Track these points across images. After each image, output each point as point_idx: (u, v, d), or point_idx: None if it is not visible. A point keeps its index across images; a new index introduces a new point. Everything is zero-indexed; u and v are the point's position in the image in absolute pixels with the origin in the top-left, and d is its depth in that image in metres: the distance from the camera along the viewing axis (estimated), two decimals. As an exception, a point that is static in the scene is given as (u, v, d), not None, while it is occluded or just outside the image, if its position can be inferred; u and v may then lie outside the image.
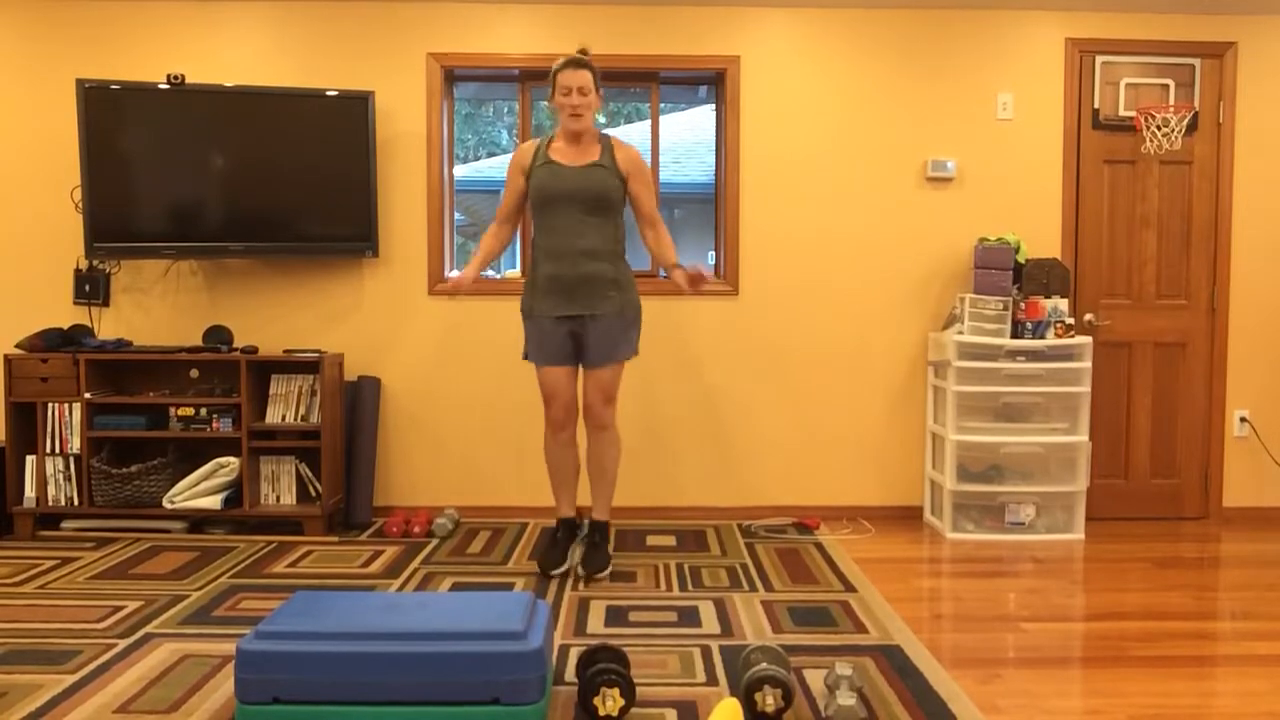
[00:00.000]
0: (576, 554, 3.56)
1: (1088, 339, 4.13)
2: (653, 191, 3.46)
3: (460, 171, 8.92)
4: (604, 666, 2.29)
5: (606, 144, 3.40)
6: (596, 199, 3.29)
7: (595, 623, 3.00)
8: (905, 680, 2.55)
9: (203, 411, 4.05)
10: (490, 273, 4.75)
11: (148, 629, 2.90)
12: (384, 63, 4.35)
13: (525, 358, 3.49)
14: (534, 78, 4.48)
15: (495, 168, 10.36)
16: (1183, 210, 4.48)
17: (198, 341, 4.32)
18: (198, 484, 4.04)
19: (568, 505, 3.55)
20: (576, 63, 3.29)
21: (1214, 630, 2.99)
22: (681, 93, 5.06)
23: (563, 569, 3.44)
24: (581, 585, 3.40)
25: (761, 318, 4.44)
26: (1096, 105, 4.44)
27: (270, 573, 3.52)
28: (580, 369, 3.46)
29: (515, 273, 4.52)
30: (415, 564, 3.65)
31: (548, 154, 3.36)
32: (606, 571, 3.43)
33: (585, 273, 3.30)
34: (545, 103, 3.51)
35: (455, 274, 3.42)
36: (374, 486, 4.38)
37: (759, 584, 3.43)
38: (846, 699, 2.27)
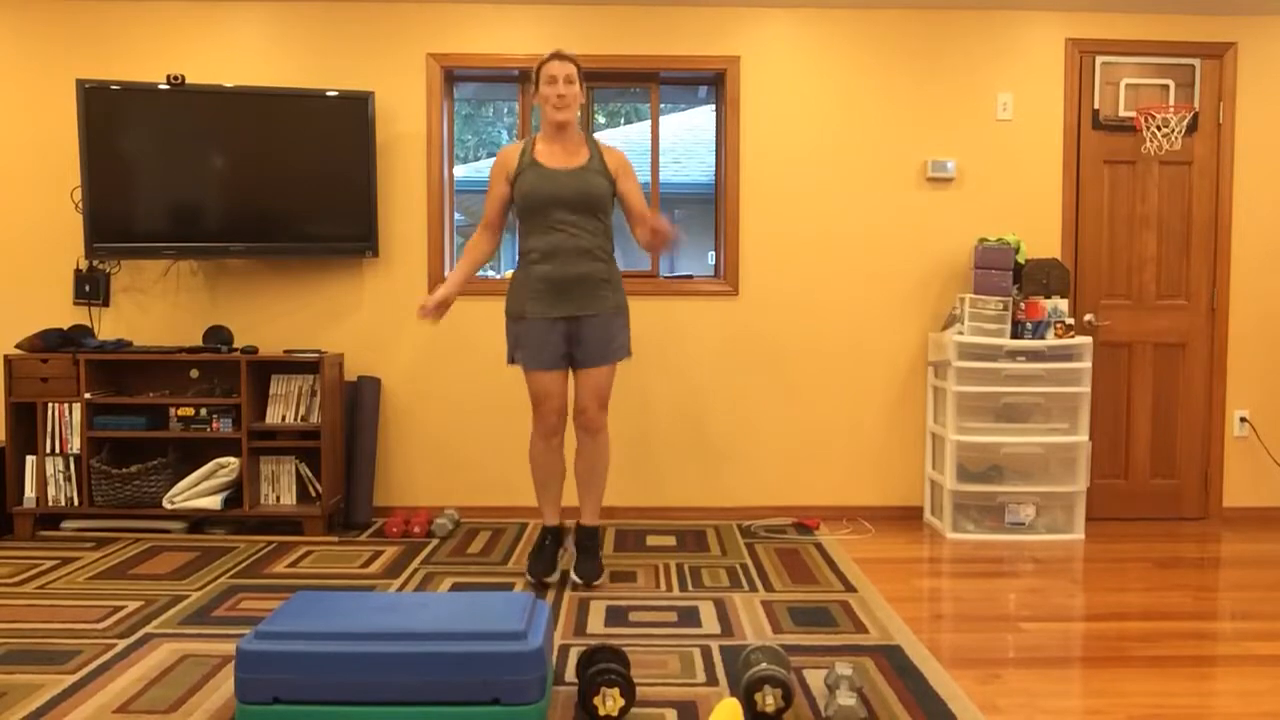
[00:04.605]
0: (565, 559, 3.55)
1: (1088, 339, 4.13)
2: (640, 190, 3.45)
3: (460, 171, 8.90)
4: (604, 666, 2.29)
5: (594, 147, 3.37)
6: (589, 201, 3.26)
7: (595, 623, 3.00)
8: (905, 680, 2.55)
9: (203, 412, 4.05)
10: (490, 273, 4.75)
11: (148, 629, 2.91)
12: (384, 63, 4.35)
13: (511, 362, 3.39)
14: (534, 78, 4.48)
15: (495, 168, 10.35)
16: (1183, 210, 4.48)
17: (198, 341, 4.32)
18: (198, 484, 4.04)
19: (554, 513, 3.49)
20: (561, 55, 3.29)
21: (1214, 630, 2.99)
22: (681, 93, 5.06)
23: (554, 577, 3.44)
24: (582, 587, 3.40)
25: (761, 318, 4.44)
26: (1096, 105, 4.44)
27: (270, 573, 3.52)
28: (571, 372, 3.40)
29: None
30: (415, 564, 3.65)
31: (534, 157, 3.31)
32: (602, 577, 3.42)
33: (581, 272, 3.27)
34: (533, 104, 3.48)
35: (439, 291, 3.34)
36: (374, 486, 4.38)
37: (759, 584, 3.43)
38: (846, 699, 2.27)
